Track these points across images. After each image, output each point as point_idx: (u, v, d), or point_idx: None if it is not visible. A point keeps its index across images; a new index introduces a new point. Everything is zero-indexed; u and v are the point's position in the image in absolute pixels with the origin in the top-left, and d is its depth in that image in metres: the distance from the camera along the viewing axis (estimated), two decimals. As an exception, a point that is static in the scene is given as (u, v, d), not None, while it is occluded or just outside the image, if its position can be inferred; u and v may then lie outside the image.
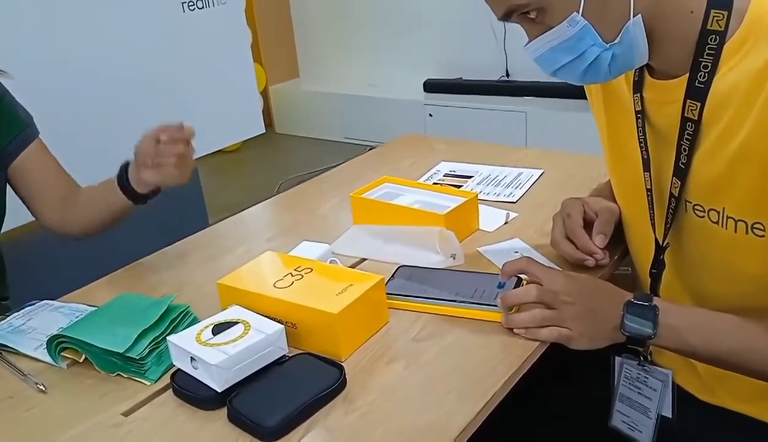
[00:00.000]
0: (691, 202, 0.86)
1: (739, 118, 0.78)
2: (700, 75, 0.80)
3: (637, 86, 0.91)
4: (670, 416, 0.90)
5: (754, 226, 0.80)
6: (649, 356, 0.91)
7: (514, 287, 0.96)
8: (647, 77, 0.90)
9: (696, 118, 0.82)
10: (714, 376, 0.93)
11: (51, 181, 1.26)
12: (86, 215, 1.26)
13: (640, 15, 0.79)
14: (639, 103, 0.91)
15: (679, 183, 0.86)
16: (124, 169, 1.18)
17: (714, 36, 0.79)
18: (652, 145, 0.91)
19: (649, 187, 0.93)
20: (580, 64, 0.83)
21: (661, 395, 0.90)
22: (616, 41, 0.81)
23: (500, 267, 1.07)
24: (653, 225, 0.94)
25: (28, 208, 1.27)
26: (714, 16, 0.78)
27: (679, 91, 0.83)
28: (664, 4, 0.80)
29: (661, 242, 0.92)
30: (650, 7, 0.79)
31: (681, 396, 0.96)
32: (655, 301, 0.85)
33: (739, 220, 0.81)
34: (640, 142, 0.92)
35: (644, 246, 0.97)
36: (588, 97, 1.07)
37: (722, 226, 0.83)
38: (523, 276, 0.97)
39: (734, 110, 0.78)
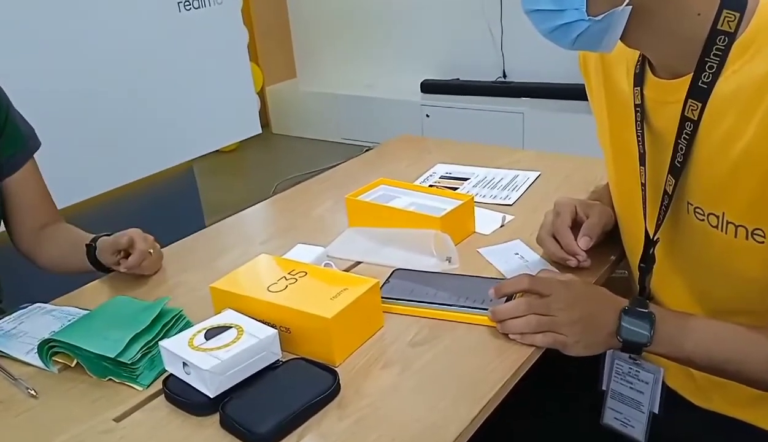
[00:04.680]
0: (692, 205, 0.86)
1: (741, 122, 0.77)
2: (705, 75, 0.79)
3: (638, 79, 0.90)
4: (657, 412, 0.89)
5: (755, 232, 0.79)
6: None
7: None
8: (649, 74, 0.89)
9: (696, 118, 0.81)
10: (709, 381, 0.92)
11: (33, 209, 1.26)
12: (53, 256, 1.26)
13: (630, 7, 0.78)
14: (639, 96, 0.90)
15: (674, 181, 0.85)
16: (94, 243, 1.18)
17: (723, 37, 0.77)
18: (649, 141, 0.91)
19: (643, 181, 0.92)
20: (555, 18, 0.81)
21: (653, 390, 0.90)
22: (597, 18, 0.79)
23: (499, 269, 1.07)
24: (645, 219, 0.93)
25: (4, 224, 1.26)
26: (726, 17, 0.77)
27: (680, 91, 0.82)
28: (669, 2, 0.79)
29: (651, 236, 0.92)
30: (653, 3, 0.78)
31: (676, 401, 0.96)
32: (651, 308, 0.84)
33: (739, 225, 0.80)
34: (637, 136, 0.91)
35: (636, 240, 0.96)
36: (587, 89, 1.06)
37: (722, 230, 0.82)
38: None
39: (737, 114, 0.77)
